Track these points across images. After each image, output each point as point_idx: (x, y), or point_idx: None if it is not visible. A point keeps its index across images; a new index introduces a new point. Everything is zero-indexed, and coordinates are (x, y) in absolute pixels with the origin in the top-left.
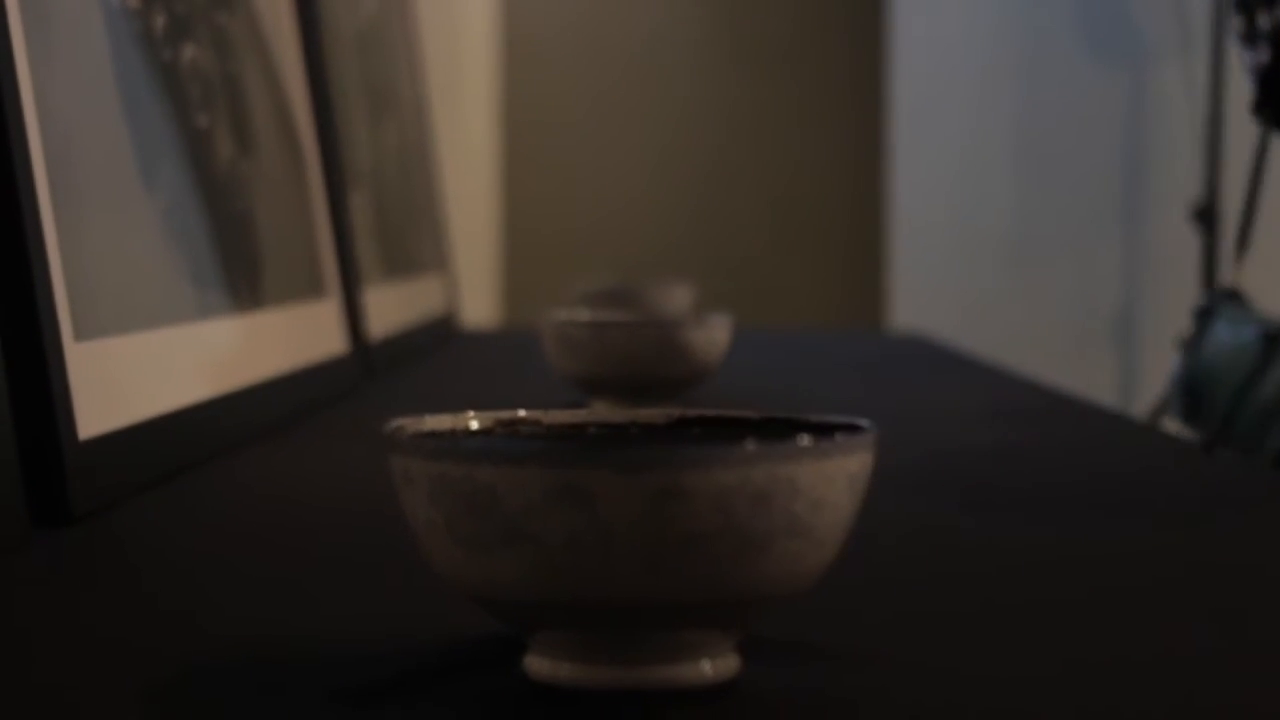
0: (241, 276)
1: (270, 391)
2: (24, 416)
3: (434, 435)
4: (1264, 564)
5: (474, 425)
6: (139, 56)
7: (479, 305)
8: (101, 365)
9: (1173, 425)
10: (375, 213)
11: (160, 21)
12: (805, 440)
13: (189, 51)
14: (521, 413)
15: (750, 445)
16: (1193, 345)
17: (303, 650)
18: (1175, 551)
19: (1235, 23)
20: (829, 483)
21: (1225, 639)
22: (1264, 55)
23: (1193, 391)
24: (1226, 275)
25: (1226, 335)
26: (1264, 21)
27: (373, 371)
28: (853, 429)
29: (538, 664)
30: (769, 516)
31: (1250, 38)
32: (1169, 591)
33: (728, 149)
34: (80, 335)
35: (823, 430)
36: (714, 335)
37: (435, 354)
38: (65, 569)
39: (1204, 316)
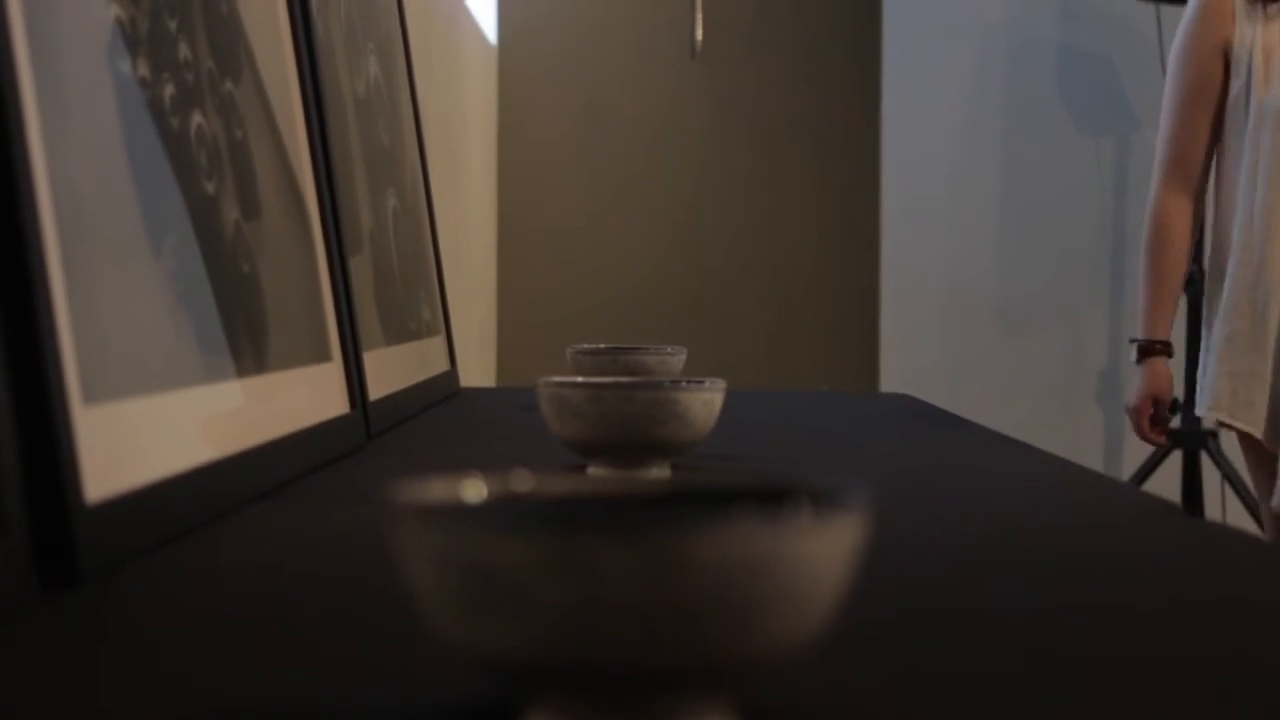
0: (247, 340)
1: (275, 453)
2: (32, 478)
3: (434, 503)
4: (1248, 624)
5: (474, 492)
6: (148, 125)
7: (476, 368)
8: (109, 428)
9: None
10: (375, 276)
11: (169, 91)
12: (799, 510)
13: (196, 119)
14: (520, 480)
15: (745, 517)
16: None
17: (306, 712)
18: (1163, 615)
19: None
20: (823, 551)
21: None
22: None
23: None
24: None
25: None
26: None
27: (374, 433)
28: (846, 496)
29: None
30: (763, 586)
31: None
32: (1159, 655)
33: (724, 220)
34: (88, 398)
35: (817, 497)
36: (709, 398)
37: (435, 415)
38: (72, 631)
39: None
